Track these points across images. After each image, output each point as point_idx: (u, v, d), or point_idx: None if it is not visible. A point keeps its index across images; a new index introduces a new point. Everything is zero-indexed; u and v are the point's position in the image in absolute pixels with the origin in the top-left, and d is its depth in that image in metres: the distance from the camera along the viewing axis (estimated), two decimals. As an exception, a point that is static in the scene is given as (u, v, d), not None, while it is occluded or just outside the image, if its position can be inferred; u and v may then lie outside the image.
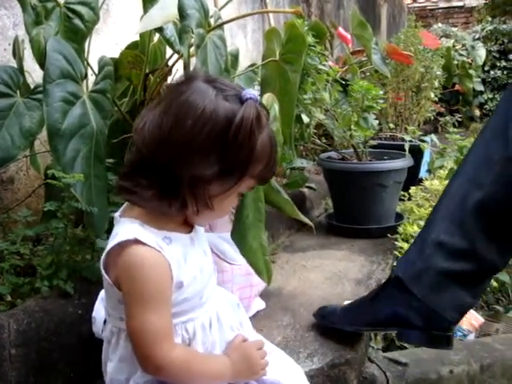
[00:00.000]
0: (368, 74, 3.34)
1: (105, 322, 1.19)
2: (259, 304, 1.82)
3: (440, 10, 7.95)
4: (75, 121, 1.51)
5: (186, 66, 1.54)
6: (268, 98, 1.62)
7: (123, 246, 0.99)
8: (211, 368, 1.06)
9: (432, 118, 3.55)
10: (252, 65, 2.32)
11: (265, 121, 1.00)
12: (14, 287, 1.53)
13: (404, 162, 2.48)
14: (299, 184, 2.70)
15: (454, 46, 5.71)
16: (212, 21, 1.81)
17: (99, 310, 1.24)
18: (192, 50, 1.58)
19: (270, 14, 3.59)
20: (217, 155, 0.96)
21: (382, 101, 2.34)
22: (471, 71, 5.46)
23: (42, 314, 1.46)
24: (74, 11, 1.61)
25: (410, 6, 8.22)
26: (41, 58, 1.53)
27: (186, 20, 1.54)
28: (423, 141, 2.45)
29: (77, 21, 1.62)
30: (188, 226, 1.10)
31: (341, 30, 2.99)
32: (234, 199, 1.06)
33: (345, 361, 1.62)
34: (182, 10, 1.54)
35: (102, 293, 1.23)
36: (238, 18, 1.77)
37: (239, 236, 1.55)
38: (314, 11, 4.33)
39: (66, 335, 1.48)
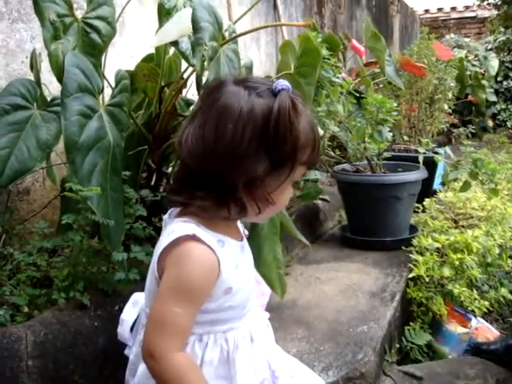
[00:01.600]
0: (381, 85, 3.34)
1: (131, 328, 1.19)
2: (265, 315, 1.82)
3: (452, 21, 7.94)
4: (92, 134, 1.52)
5: (199, 78, 1.56)
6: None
7: (180, 241, 0.98)
8: None
9: (445, 129, 3.54)
10: (266, 77, 2.33)
11: (301, 107, 0.99)
12: (30, 298, 1.54)
13: (418, 175, 2.47)
14: (313, 196, 2.69)
15: (466, 57, 5.69)
16: (226, 34, 1.83)
17: (129, 313, 1.22)
18: (206, 62, 1.59)
19: (284, 27, 3.60)
20: (264, 153, 0.96)
21: (395, 113, 2.33)
22: (484, 82, 5.44)
23: (59, 326, 1.47)
24: (91, 26, 1.64)
25: (422, 16, 8.22)
26: (59, 72, 1.55)
27: (200, 33, 1.56)
28: (437, 153, 2.44)
29: (94, 35, 1.64)
30: (239, 234, 1.10)
31: (354, 42, 3.00)
32: (290, 189, 1.05)
33: (360, 374, 1.62)
34: (195, 23, 1.56)
35: (134, 296, 1.22)
36: (252, 30, 1.79)
37: (254, 248, 1.54)
38: (326, 23, 4.34)
39: (83, 347, 1.48)
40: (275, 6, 3.64)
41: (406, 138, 2.67)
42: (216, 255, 0.99)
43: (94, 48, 1.65)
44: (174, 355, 0.98)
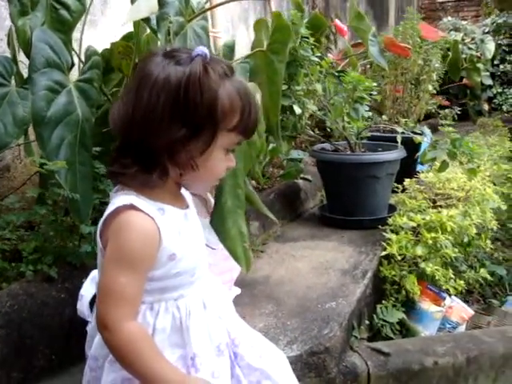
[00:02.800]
0: (369, 66, 3.34)
1: (91, 303, 1.21)
2: (236, 290, 1.85)
3: (450, 4, 7.87)
4: (60, 109, 1.54)
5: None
6: (249, 87, 1.64)
7: (119, 211, 1.01)
8: (158, 368, 1.00)
9: (434, 111, 3.53)
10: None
11: (221, 72, 1.00)
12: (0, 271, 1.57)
13: (396, 154, 2.48)
14: (294, 175, 2.72)
15: (462, 40, 5.65)
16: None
17: (88, 289, 1.23)
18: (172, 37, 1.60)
19: (272, 6, 3.58)
20: (178, 118, 0.98)
21: (375, 92, 2.34)
22: (479, 65, 5.40)
23: (26, 297, 1.51)
24: (60, 2, 1.64)
25: (419, -1, 8.20)
26: (26, 48, 1.56)
27: (165, 8, 1.57)
28: (417, 133, 2.44)
29: (63, 11, 1.65)
30: (183, 203, 1.12)
31: (337, 21, 2.99)
32: (221, 157, 1.06)
33: (324, 349, 1.64)
34: (160, -1, 1.56)
35: (93, 272, 1.24)
36: (218, 4, 1.78)
37: (218, 222, 1.57)
38: (318, 4, 4.32)
39: (49, 318, 1.52)
40: (264, -14, 3.62)
41: (385, 117, 2.67)
42: (155, 222, 1.01)
43: (63, 24, 1.65)
44: (124, 324, 0.99)
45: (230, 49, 2.59)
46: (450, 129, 2.31)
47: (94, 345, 1.11)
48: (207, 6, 1.92)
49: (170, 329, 1.07)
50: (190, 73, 0.97)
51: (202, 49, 1.00)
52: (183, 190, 1.15)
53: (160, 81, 0.98)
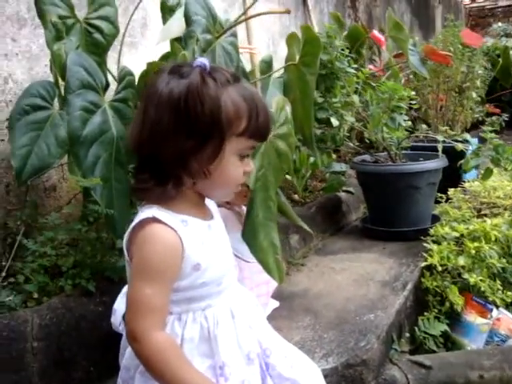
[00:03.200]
0: (411, 76, 3.30)
1: (124, 317, 1.24)
2: (274, 303, 1.85)
3: (500, 9, 7.68)
4: (95, 128, 1.59)
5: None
6: (278, 100, 1.65)
7: (143, 224, 1.04)
8: (189, 378, 1.01)
9: (481, 119, 3.44)
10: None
11: (222, 79, 1.03)
12: (41, 286, 1.63)
13: (437, 163, 2.43)
14: (336, 188, 2.70)
15: (514, 45, 5.50)
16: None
17: (120, 303, 1.28)
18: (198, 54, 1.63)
19: (314, 21, 3.61)
20: (183, 129, 1.01)
21: (414, 102, 2.31)
22: (532, 70, 5.24)
23: (64, 311, 1.56)
24: (93, 26, 1.72)
25: (468, 6, 7.99)
26: (62, 71, 1.63)
27: (191, 26, 1.61)
28: (459, 141, 2.39)
29: (97, 35, 1.72)
30: (207, 213, 1.15)
31: (375, 32, 2.97)
32: (235, 163, 1.07)
33: (361, 361, 1.62)
34: (187, 17, 1.61)
35: (126, 288, 1.25)
36: (243, 20, 1.81)
37: (249, 235, 1.57)
38: (361, 16, 4.31)
39: (87, 331, 1.56)
40: (304, 2, 3.65)
41: (425, 127, 2.62)
42: (178, 234, 1.03)
43: (98, 47, 1.73)
44: (153, 334, 1.01)
45: (268, 64, 2.62)
46: (492, 135, 2.24)
47: (126, 356, 1.14)
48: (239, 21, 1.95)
49: (198, 339, 1.09)
50: (188, 84, 1.00)
51: (201, 60, 1.03)
52: (208, 202, 1.18)
53: (164, 95, 1.02)
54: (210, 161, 1.04)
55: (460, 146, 2.32)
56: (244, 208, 1.77)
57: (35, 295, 1.61)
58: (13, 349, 1.43)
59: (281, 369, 1.18)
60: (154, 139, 1.02)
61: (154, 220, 1.03)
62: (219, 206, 1.73)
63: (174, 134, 1.01)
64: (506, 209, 2.40)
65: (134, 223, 1.05)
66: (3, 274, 1.71)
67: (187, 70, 1.03)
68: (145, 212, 1.05)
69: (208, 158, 1.03)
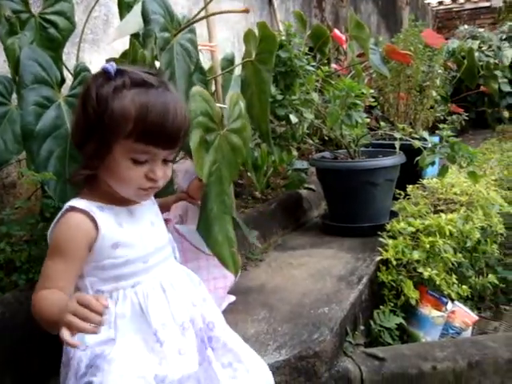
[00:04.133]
0: (374, 75, 3.35)
1: None
2: (230, 298, 1.87)
3: (466, 12, 7.82)
4: (49, 123, 1.59)
5: (151, 69, 1.61)
6: (233, 95, 1.68)
7: (61, 216, 1.16)
8: (50, 311, 1.07)
9: (443, 118, 3.51)
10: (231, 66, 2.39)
11: (118, 85, 1.12)
12: (-7, 281, 1.62)
13: (394, 160, 2.47)
14: (297, 185, 2.74)
15: (480, 47, 5.61)
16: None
17: None
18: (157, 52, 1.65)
19: (279, 20, 3.64)
20: (78, 125, 1.17)
21: (372, 99, 2.35)
22: (497, 72, 5.35)
23: (18, 305, 1.55)
24: (48, 21, 1.71)
25: (435, 8, 8.12)
26: (16, 66, 1.62)
27: (150, 25, 1.62)
28: (417, 139, 2.44)
29: (52, 30, 1.72)
30: (127, 203, 1.22)
31: (336, 31, 3.02)
32: (128, 166, 1.14)
33: (313, 353, 1.64)
34: (145, 16, 1.62)
35: None
36: (202, 18, 1.82)
37: (204, 229, 1.60)
38: (327, 16, 4.35)
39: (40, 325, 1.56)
40: (270, 1, 3.68)
41: (383, 124, 2.67)
42: (91, 216, 1.14)
43: (53, 42, 1.73)
44: (37, 293, 1.12)
45: (230, 62, 2.64)
46: (449, 133, 2.29)
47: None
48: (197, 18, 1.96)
49: (130, 315, 1.16)
50: (88, 85, 1.15)
51: (108, 64, 1.14)
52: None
53: (80, 95, 1.18)
54: (99, 157, 1.14)
55: (417, 144, 2.37)
56: None
57: (-12, 291, 1.61)
58: (-36, 344, 1.43)
59: (225, 338, 1.28)
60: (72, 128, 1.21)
61: (71, 209, 1.15)
62: (180, 199, 1.77)
63: (76, 129, 1.17)
64: (462, 205, 2.45)
65: (57, 217, 1.17)
66: (-42, 269, 1.70)
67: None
68: (66, 204, 1.17)
69: (95, 154, 1.14)
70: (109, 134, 1.11)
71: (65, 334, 0.97)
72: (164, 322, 1.17)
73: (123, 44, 2.58)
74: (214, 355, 1.25)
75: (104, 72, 1.13)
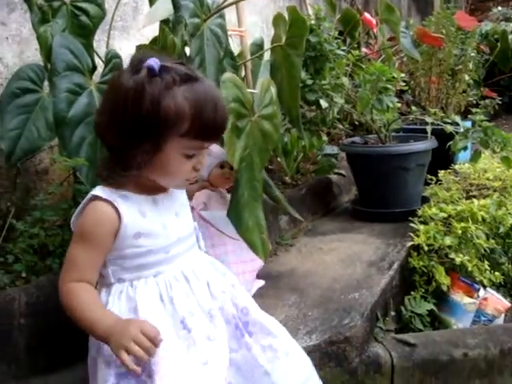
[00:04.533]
0: (405, 59, 3.30)
1: None
2: (259, 282, 1.88)
3: (500, -7, 7.64)
4: (81, 110, 1.61)
5: (180, 55, 1.62)
6: (264, 81, 1.67)
7: (85, 205, 1.17)
8: (87, 315, 1.11)
9: (475, 102, 3.44)
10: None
11: (168, 82, 1.08)
12: (29, 265, 1.66)
13: (426, 145, 2.44)
14: (327, 170, 2.72)
15: (513, 30, 5.46)
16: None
17: None
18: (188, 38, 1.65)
19: (308, 5, 3.60)
20: (126, 125, 1.09)
21: (403, 83, 2.32)
22: (531, 54, 5.21)
23: (52, 289, 1.58)
24: (80, 8, 1.73)
25: (467, -11, 7.96)
26: (48, 54, 1.65)
27: (180, 11, 1.62)
28: (449, 123, 2.40)
29: (83, 17, 1.74)
30: (152, 191, 1.21)
31: (366, 14, 2.98)
32: (181, 161, 1.14)
33: (344, 338, 1.64)
34: (174, 2, 1.62)
35: None
36: (229, 3, 1.82)
37: (235, 215, 1.61)
38: (356, 0, 4.30)
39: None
40: (299, -15, 3.64)
41: (414, 109, 2.63)
42: (114, 206, 1.14)
43: (84, 29, 1.74)
44: (67, 284, 1.14)
45: (259, 47, 2.64)
46: (482, 117, 2.25)
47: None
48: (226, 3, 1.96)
49: (152, 303, 1.16)
50: (134, 83, 1.08)
51: (151, 61, 1.08)
52: None
53: (116, 88, 1.12)
54: (149, 157, 1.11)
55: (449, 128, 2.33)
56: (225, 190, 1.81)
57: (24, 274, 1.64)
58: (0, 326, 1.46)
59: (263, 320, 1.29)
60: (105, 129, 1.13)
61: (94, 198, 1.15)
62: (202, 188, 1.77)
63: (119, 128, 1.10)
64: (495, 190, 2.41)
65: (80, 206, 1.18)
66: (-6, 254, 1.75)
67: (139, 67, 1.10)
68: (90, 193, 1.17)
69: (146, 154, 1.11)
70: (164, 133, 1.09)
71: (127, 358, 1.04)
72: (190, 309, 1.17)
73: (153, 30, 2.59)
74: (253, 340, 1.26)
75: (149, 69, 1.08)
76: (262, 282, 1.92)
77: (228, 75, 1.55)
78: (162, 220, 1.20)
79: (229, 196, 1.79)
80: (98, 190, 1.16)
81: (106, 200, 1.14)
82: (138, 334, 1.05)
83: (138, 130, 1.08)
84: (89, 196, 1.16)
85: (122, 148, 1.11)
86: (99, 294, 1.20)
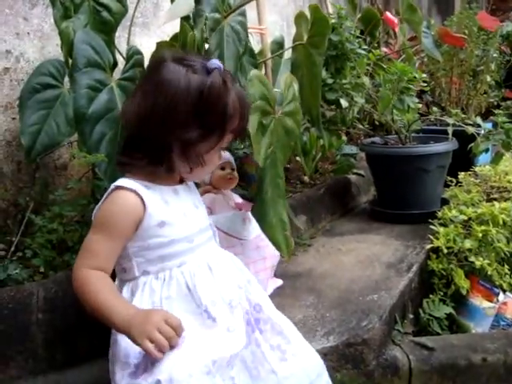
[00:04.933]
0: (426, 59, 3.26)
1: None
2: (276, 282, 1.87)
3: (523, -7, 7.52)
4: (101, 106, 1.61)
5: (200, 49, 1.61)
6: (287, 78, 1.67)
7: (109, 194, 1.17)
8: (104, 303, 1.11)
9: (496, 104, 3.40)
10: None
11: (230, 84, 1.16)
12: (47, 260, 1.66)
13: (447, 146, 2.41)
14: (345, 170, 2.71)
15: (536, 30, 5.39)
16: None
17: None
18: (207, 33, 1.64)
19: (329, 3, 3.58)
20: (196, 122, 1.13)
21: (425, 84, 2.29)
22: (554, 55, 5.15)
23: (69, 285, 1.57)
24: (101, 4, 1.73)
25: (489, -11, 7.85)
26: (70, 49, 1.65)
27: (201, 5, 1.62)
28: (470, 125, 2.37)
29: (105, 13, 1.74)
30: (172, 181, 1.24)
31: (388, 14, 2.95)
32: (218, 154, 1.23)
33: (361, 340, 1.63)
34: (196, -4, 1.61)
35: None
36: (248, 1, 1.81)
37: (260, 212, 1.61)
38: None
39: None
40: (320, -17, 3.62)
41: (435, 109, 2.60)
42: (139, 194, 1.15)
43: (106, 25, 1.74)
44: (81, 270, 1.14)
45: (279, 45, 2.62)
46: (504, 119, 2.22)
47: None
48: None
49: (176, 295, 1.16)
50: (211, 84, 1.13)
51: (217, 62, 1.16)
52: None
53: (181, 86, 1.12)
54: (206, 152, 1.16)
55: (470, 130, 2.30)
56: (228, 191, 1.81)
57: (42, 269, 1.65)
58: (18, 320, 1.47)
59: (274, 320, 1.29)
60: (164, 123, 1.12)
61: (118, 188, 1.16)
62: (206, 192, 1.77)
63: (187, 123, 1.12)
64: (516, 193, 2.38)
65: (104, 195, 1.18)
66: (12, 248, 1.75)
67: (199, 67, 1.15)
68: (113, 184, 1.18)
69: (207, 148, 1.16)
70: (225, 129, 1.16)
71: (150, 346, 1.04)
72: (213, 299, 1.18)
73: (173, 27, 2.59)
74: (263, 337, 1.26)
75: (214, 68, 1.15)
76: (279, 282, 1.90)
77: (255, 72, 1.57)
78: (183, 209, 1.23)
79: (233, 195, 1.79)
80: (121, 181, 1.18)
81: (129, 189, 1.15)
82: (161, 322, 1.06)
83: (208, 125, 1.14)
84: (112, 186, 1.17)
85: (180, 145, 1.14)
86: (121, 290, 1.19)
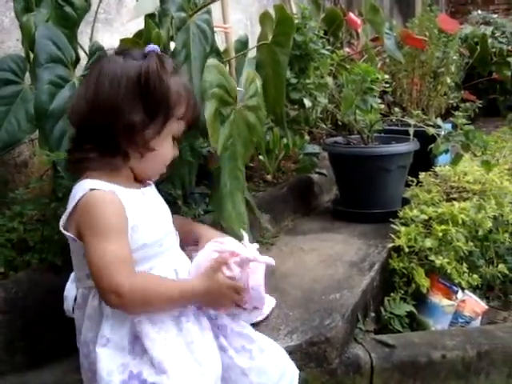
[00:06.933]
0: (388, 60, 3.31)
1: (75, 300, 1.27)
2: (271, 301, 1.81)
3: (480, -3, 7.72)
4: (63, 102, 1.57)
5: (166, 48, 1.60)
6: (249, 73, 1.67)
7: (82, 197, 1.12)
8: (169, 290, 1.13)
9: (455, 105, 3.47)
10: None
11: (170, 67, 1.19)
12: (7, 260, 1.62)
13: (408, 146, 2.46)
14: (308, 169, 2.73)
15: (493, 34, 5.54)
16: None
17: (70, 290, 1.31)
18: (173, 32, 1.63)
19: (292, 3, 3.59)
20: (138, 105, 1.14)
21: (387, 85, 2.32)
22: (510, 59, 5.28)
23: (30, 285, 1.55)
24: (64, -1, 1.69)
25: (448, -8, 8.04)
26: (31, 44, 1.61)
27: (166, 4, 1.60)
28: (431, 126, 2.41)
29: (68, 8, 1.70)
30: (138, 184, 1.24)
31: (351, 14, 2.99)
32: (170, 144, 1.23)
33: (324, 339, 1.64)
34: (161, -5, 1.59)
35: (73, 274, 1.30)
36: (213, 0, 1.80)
37: (218, 205, 1.61)
38: (340, 0, 4.31)
39: (52, 305, 1.55)
40: (283, -17, 3.62)
41: (397, 110, 2.65)
42: (116, 194, 1.14)
43: (68, 20, 1.71)
44: (133, 278, 1.09)
45: (244, 44, 2.61)
46: (464, 120, 2.27)
47: (83, 332, 1.20)
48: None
49: None
50: (148, 65, 1.13)
51: (153, 46, 1.18)
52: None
53: (119, 73, 1.14)
54: (154, 136, 1.17)
55: (431, 130, 2.34)
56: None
57: (2, 269, 1.61)
58: (-23, 322, 1.43)
59: (232, 325, 1.30)
60: (107, 110, 1.13)
61: (91, 190, 1.12)
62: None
63: (129, 108, 1.13)
64: (474, 193, 2.43)
65: (73, 202, 1.13)
66: (-30, 248, 1.70)
67: (138, 54, 1.17)
68: (79, 187, 1.14)
69: (153, 133, 1.16)
70: (169, 112, 1.17)
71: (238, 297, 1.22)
72: None
73: (136, 24, 2.55)
74: (227, 342, 1.27)
75: (149, 51, 1.17)
76: (273, 301, 1.84)
77: (213, 61, 1.58)
78: (152, 212, 1.22)
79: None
80: (90, 183, 1.13)
81: (107, 191, 1.13)
82: (231, 283, 1.18)
83: (150, 108, 1.14)
84: (84, 191, 1.12)
85: (126, 131, 1.14)
86: (86, 297, 1.18)
